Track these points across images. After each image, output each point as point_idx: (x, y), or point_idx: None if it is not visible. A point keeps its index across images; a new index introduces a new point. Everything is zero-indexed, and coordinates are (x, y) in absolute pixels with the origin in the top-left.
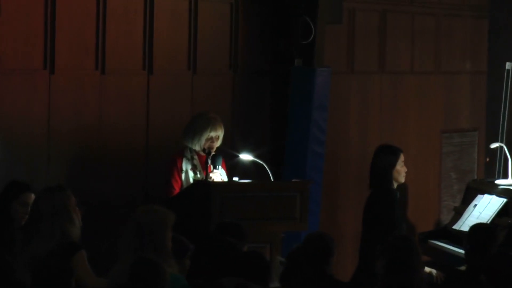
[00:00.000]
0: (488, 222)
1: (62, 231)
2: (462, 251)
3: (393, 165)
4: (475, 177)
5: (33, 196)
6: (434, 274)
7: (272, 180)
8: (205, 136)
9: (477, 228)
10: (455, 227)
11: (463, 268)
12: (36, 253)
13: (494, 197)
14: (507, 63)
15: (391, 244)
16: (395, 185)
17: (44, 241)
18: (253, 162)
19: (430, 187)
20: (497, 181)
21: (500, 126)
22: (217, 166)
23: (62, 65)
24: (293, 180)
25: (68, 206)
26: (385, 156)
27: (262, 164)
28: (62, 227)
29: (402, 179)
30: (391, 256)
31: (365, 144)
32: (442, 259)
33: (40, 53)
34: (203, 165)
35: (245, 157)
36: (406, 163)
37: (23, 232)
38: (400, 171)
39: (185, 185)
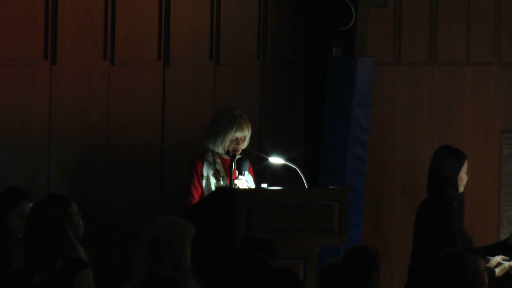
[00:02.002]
0: None
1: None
2: None
3: (458, 171)
4: None
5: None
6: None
7: (306, 187)
8: (230, 136)
9: None
10: None
11: None
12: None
13: None
14: None
15: (442, 260)
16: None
17: (45, 273)
18: (284, 166)
19: (488, 195)
20: None
21: None
22: (243, 171)
23: (65, 55)
24: (331, 187)
25: (57, 234)
26: (450, 160)
27: (294, 168)
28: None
29: (461, 188)
30: (440, 273)
31: (413, 145)
32: (501, 279)
33: (41, 41)
34: (227, 170)
35: (275, 160)
36: None
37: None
38: (463, 179)
39: (206, 193)
